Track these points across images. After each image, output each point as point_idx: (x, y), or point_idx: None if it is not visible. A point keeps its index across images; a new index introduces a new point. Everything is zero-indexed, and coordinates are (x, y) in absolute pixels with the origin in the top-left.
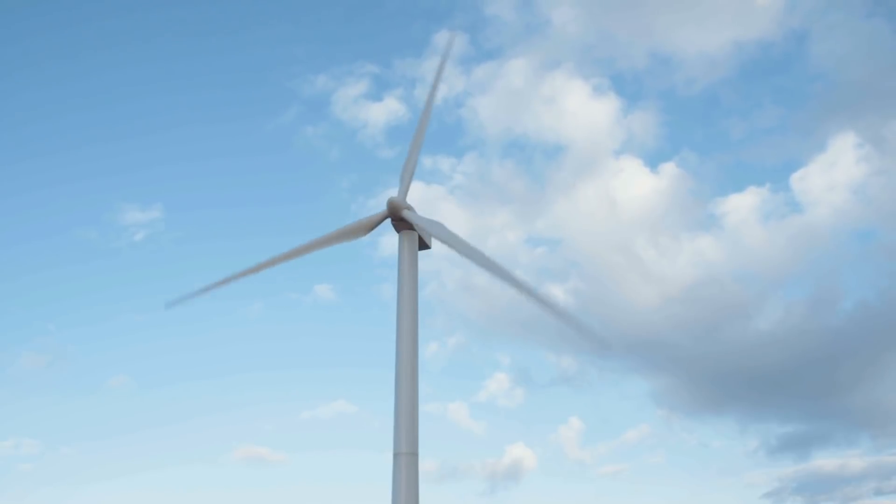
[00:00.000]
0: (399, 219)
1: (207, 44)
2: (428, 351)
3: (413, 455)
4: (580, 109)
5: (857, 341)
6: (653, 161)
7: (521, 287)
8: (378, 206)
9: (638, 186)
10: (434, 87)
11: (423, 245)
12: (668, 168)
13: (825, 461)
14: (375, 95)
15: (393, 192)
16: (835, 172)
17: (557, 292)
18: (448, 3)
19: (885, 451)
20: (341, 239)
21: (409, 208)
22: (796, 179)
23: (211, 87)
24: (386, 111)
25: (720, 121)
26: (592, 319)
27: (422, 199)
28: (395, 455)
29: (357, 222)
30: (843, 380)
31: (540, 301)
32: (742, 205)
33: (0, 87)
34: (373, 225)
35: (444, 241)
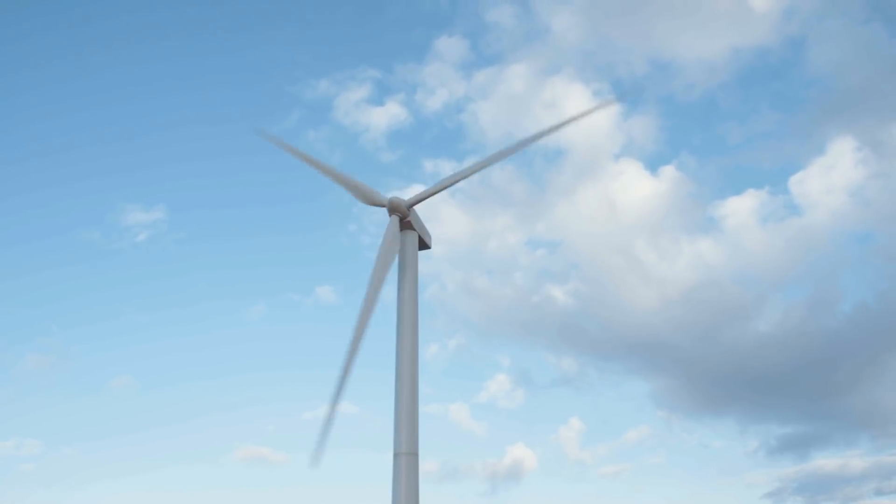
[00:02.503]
0: (402, 217)
1: (211, 47)
2: (429, 352)
3: (413, 455)
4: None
5: (855, 343)
6: (652, 164)
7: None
8: (379, 209)
9: (638, 189)
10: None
11: (424, 245)
12: (668, 171)
13: (825, 461)
14: (377, 100)
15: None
16: (833, 175)
17: (558, 293)
18: (449, 10)
19: (885, 451)
20: (386, 268)
21: (411, 206)
22: (795, 182)
23: (214, 89)
24: (387, 116)
25: (719, 125)
26: (593, 321)
27: (423, 202)
28: (396, 455)
29: (385, 243)
30: (842, 381)
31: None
32: (741, 207)
33: (1, 87)
34: (396, 233)
35: (453, 182)
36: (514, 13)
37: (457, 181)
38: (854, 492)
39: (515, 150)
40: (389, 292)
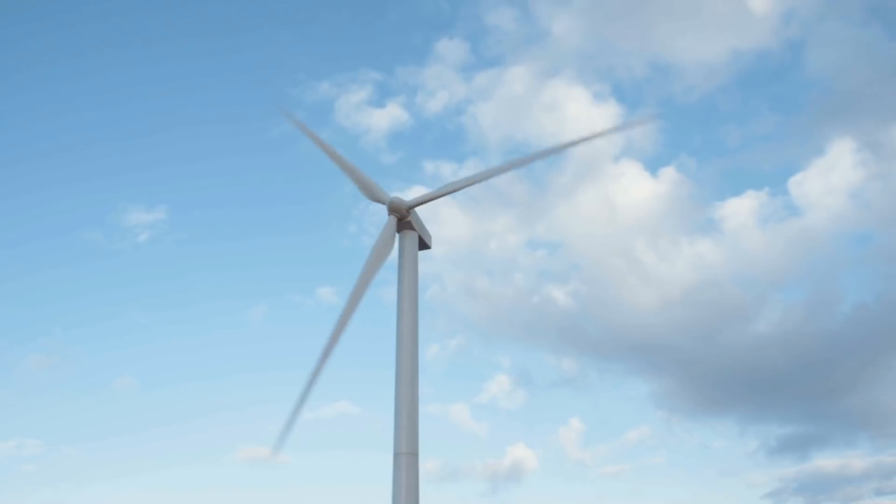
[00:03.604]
0: (401, 218)
1: (212, 49)
2: (429, 353)
3: (413, 455)
4: (580, 116)
5: (855, 343)
6: (652, 166)
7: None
8: (380, 209)
9: (637, 191)
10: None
11: (424, 245)
12: (668, 172)
13: (825, 461)
14: (378, 102)
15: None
16: (832, 177)
17: (558, 294)
18: (450, 13)
19: (885, 451)
20: (376, 266)
21: (411, 208)
22: (794, 184)
23: (215, 90)
24: (388, 117)
25: (718, 127)
26: (593, 321)
27: (424, 204)
28: (396, 455)
29: (379, 242)
30: (841, 381)
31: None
32: (741, 209)
33: (3, 87)
34: (392, 233)
35: (455, 190)
36: (515, 16)
37: (461, 188)
38: (854, 492)
39: (523, 163)
40: (389, 293)
